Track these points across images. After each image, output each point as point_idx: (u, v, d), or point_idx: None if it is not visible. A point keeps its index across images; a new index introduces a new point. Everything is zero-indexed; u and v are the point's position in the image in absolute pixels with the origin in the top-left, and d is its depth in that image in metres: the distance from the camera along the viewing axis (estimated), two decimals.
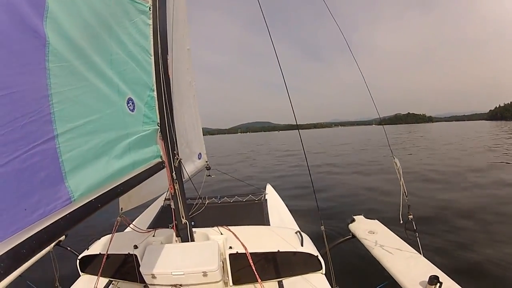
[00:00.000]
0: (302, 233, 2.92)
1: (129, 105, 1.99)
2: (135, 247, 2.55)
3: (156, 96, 2.41)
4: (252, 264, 2.38)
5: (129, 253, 2.55)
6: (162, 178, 2.47)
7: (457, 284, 2.35)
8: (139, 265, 2.34)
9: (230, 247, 2.58)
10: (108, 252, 2.56)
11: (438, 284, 2.29)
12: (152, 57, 2.33)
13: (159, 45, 2.36)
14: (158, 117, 2.45)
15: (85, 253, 2.81)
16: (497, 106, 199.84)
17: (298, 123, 3.02)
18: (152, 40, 2.27)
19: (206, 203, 4.11)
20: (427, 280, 2.31)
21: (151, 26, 2.23)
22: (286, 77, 2.84)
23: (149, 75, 2.31)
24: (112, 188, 1.68)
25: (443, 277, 2.39)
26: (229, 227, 2.86)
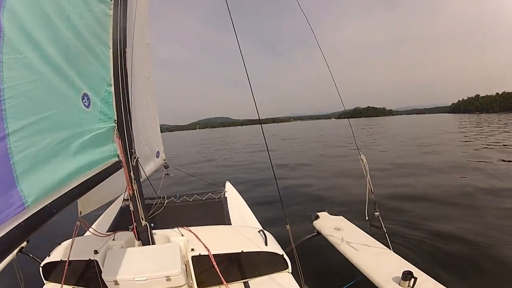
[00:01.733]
0: (265, 232, 2.92)
1: (84, 101, 1.86)
2: (96, 252, 2.41)
3: (113, 91, 2.28)
4: (216, 266, 2.34)
5: (90, 258, 2.41)
6: (120, 179, 2.34)
7: (431, 278, 2.38)
8: (101, 271, 2.21)
9: (192, 249, 2.51)
10: (70, 259, 2.41)
11: (413, 280, 2.29)
12: (111, 50, 2.19)
13: (119, 38, 2.23)
14: (115, 113, 2.32)
15: (47, 260, 2.63)
16: (460, 100, 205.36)
17: (256, 118, 3.00)
18: (111, 32, 2.13)
19: (165, 203, 3.97)
20: (400, 275, 2.32)
21: (112, 17, 2.09)
22: (247, 71, 2.81)
23: (106, 69, 2.17)
24: (68, 191, 1.56)
25: (417, 272, 2.40)
26: (190, 227, 2.79)
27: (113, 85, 2.26)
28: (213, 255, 2.42)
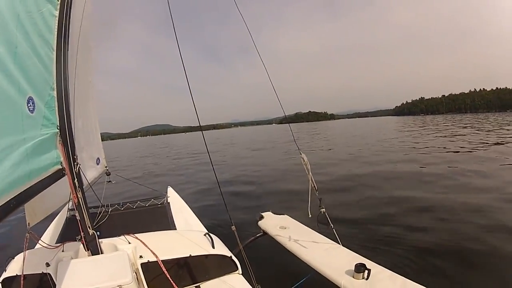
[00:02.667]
0: (211, 235, 2.95)
1: (29, 105, 1.75)
2: (47, 265, 2.28)
3: (56, 95, 2.15)
4: (165, 272, 2.34)
5: (43, 272, 2.29)
6: (64, 187, 2.20)
7: (386, 269, 2.46)
8: (55, 284, 2.08)
9: (141, 256, 2.48)
10: (24, 273, 2.27)
11: (366, 271, 2.35)
12: (55, 52, 2.08)
13: (63, 40, 2.13)
14: (58, 119, 2.18)
15: (4, 275, 2.45)
16: (404, 103, 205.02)
17: (197, 125, 3.02)
18: (56, 33, 2.03)
19: (110, 211, 3.82)
20: (353, 268, 2.38)
21: (57, 18, 2.00)
22: (187, 79, 2.84)
23: (50, 73, 2.05)
24: (5, 204, 1.45)
25: (369, 264, 2.47)
26: (136, 234, 2.73)
27: (55, 89, 2.14)
28: (162, 261, 2.42)
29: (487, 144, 17.74)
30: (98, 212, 3.70)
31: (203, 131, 3.27)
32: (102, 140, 4.08)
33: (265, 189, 9.94)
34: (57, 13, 1.99)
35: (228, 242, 3.05)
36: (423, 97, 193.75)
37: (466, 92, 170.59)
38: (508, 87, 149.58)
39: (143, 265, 2.46)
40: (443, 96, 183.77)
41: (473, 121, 48.92)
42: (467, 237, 5.05)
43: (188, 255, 2.62)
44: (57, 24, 2.01)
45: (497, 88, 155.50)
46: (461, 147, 16.94)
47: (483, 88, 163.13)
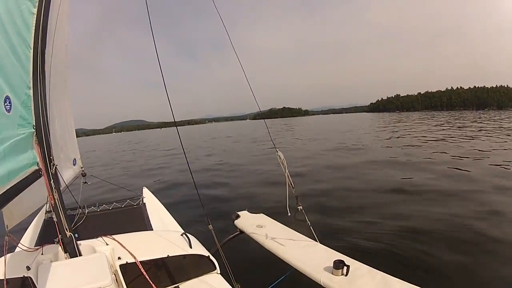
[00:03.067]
0: (188, 234, 2.94)
1: (6, 104, 1.71)
2: (28, 268, 2.21)
3: (32, 94, 2.10)
4: (144, 273, 2.33)
5: (24, 276, 2.20)
6: (41, 188, 2.16)
7: (364, 265, 2.45)
8: None
9: (119, 258, 2.46)
10: (6, 276, 2.19)
11: (345, 268, 2.33)
12: (32, 51, 2.03)
13: (40, 38, 2.08)
14: (34, 118, 2.13)
15: None
16: (379, 99, 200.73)
17: (172, 120, 2.98)
18: (33, 31, 1.99)
19: (86, 212, 3.76)
20: (331, 265, 2.36)
21: (35, 16, 1.96)
22: (162, 74, 2.81)
23: (26, 71, 2.01)
24: None
25: (348, 260, 2.45)
26: (113, 236, 2.71)
27: (31, 88, 2.09)
28: (140, 262, 2.41)
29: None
30: (76, 214, 3.63)
31: (177, 127, 3.25)
32: (77, 137, 4.00)
33: (241, 187, 9.85)
34: (35, 10, 1.96)
35: (205, 241, 3.03)
36: (399, 94, 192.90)
37: (442, 90, 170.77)
38: (486, 86, 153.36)
39: (121, 266, 2.44)
40: (419, 93, 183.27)
41: (447, 118, 51.66)
42: (442, 219, 5.67)
43: (166, 256, 2.61)
44: (35, 22, 1.97)
45: (474, 86, 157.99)
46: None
47: (460, 87, 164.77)
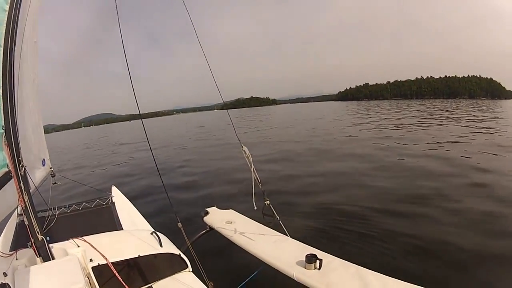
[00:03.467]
0: (158, 233, 2.91)
1: None
2: (5, 274, 2.13)
3: (1, 94, 2.04)
4: (117, 274, 2.31)
5: (2, 282, 2.09)
6: (10, 190, 2.10)
7: (337, 258, 2.45)
8: None
9: (91, 260, 2.43)
10: None
11: (318, 261, 2.32)
12: (1, 49, 1.97)
13: (10, 36, 2.02)
14: (3, 119, 2.07)
15: None
16: (347, 88, 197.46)
17: (139, 112, 2.94)
18: (4, 29, 1.93)
19: (57, 214, 3.68)
20: (304, 259, 2.35)
21: (7, 13, 1.91)
22: (128, 66, 2.74)
23: None
24: None
25: (320, 254, 2.44)
26: (84, 237, 2.67)
27: (1, 87, 2.03)
28: (112, 263, 2.39)
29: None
30: (47, 216, 3.55)
31: (142, 119, 3.21)
32: (47, 133, 3.87)
33: (209, 183, 9.65)
34: (7, 7, 1.91)
35: (175, 239, 3.00)
36: (368, 83, 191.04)
37: (412, 79, 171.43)
38: (457, 76, 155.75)
39: (94, 268, 2.41)
40: (388, 82, 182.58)
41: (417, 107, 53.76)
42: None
43: (137, 256, 2.59)
44: (6, 19, 1.92)
45: (445, 76, 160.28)
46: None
47: (431, 76, 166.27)
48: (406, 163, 10.04)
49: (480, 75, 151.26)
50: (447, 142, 13.82)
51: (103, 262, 2.41)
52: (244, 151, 3.05)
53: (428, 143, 13.76)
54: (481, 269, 3.79)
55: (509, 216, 5.29)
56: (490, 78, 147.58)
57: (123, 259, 2.54)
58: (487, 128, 18.85)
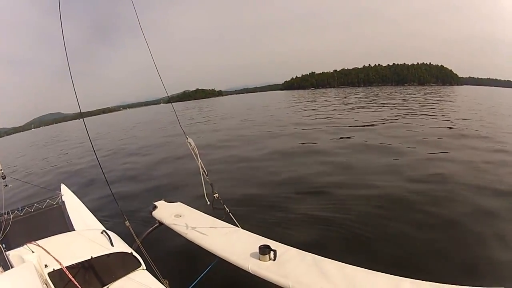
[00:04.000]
0: (108, 232, 2.88)
1: None
2: None
3: None
4: (72, 279, 2.27)
5: None
6: None
7: (292, 247, 2.45)
8: None
9: (46, 265, 2.39)
10: None
11: (272, 252, 2.28)
12: None
13: None
14: None
15: None
16: (293, 77, 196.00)
17: (86, 110, 2.87)
18: None
19: (11, 218, 3.66)
20: (257, 251, 2.31)
21: None
22: (72, 61, 2.74)
23: None
24: None
25: (274, 244, 2.42)
26: (38, 242, 2.62)
27: None
28: (66, 267, 2.36)
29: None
30: (2, 220, 3.54)
31: (87, 117, 3.10)
32: None
33: (155, 176, 9.58)
34: None
35: (126, 237, 2.92)
36: (314, 72, 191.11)
37: (360, 67, 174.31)
38: (406, 63, 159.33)
39: (50, 274, 2.38)
40: (335, 70, 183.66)
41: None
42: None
43: (90, 257, 2.56)
44: None
45: (394, 63, 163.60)
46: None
47: (379, 64, 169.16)
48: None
49: (430, 63, 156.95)
50: None
51: (58, 267, 2.39)
52: (189, 143, 2.92)
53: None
54: None
55: None
56: (441, 65, 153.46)
57: (77, 262, 2.53)
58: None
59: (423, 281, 2.10)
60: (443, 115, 19.77)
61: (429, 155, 9.39)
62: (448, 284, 2.01)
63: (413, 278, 2.12)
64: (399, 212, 5.24)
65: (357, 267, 2.25)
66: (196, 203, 3.36)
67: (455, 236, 4.43)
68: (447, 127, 14.38)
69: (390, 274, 2.19)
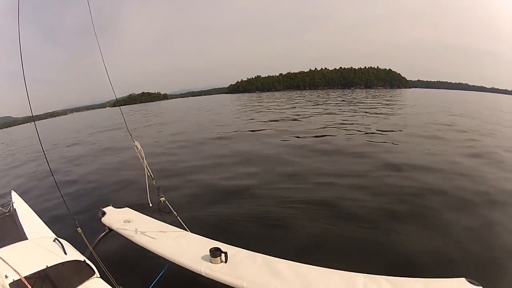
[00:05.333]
0: (60, 240, 2.83)
1: None
2: None
3: None
4: None
5: None
6: None
7: (242, 249, 2.50)
8: None
9: (6, 276, 2.32)
10: None
11: (223, 255, 2.31)
12: None
13: None
14: None
15: None
16: (239, 81, 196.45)
17: (36, 114, 2.87)
18: None
19: None
20: (208, 253, 2.34)
21: None
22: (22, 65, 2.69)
23: None
24: None
25: (224, 246, 2.46)
26: None
27: None
28: (25, 277, 2.32)
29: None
30: None
31: (35, 121, 3.29)
32: None
33: (103, 182, 9.33)
34: None
35: (78, 244, 2.88)
36: (259, 75, 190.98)
37: (306, 71, 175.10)
38: (353, 67, 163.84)
39: (11, 285, 2.32)
40: (281, 74, 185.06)
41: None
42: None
43: (45, 266, 2.53)
44: None
45: (340, 67, 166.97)
46: None
47: (325, 67, 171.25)
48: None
49: (378, 66, 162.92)
50: None
51: (17, 277, 2.33)
52: (136, 146, 2.91)
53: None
54: None
55: None
56: (389, 69, 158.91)
57: (34, 271, 2.47)
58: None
59: (377, 276, 2.20)
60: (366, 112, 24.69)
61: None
62: (404, 277, 2.14)
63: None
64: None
65: (310, 266, 2.33)
66: (144, 207, 3.32)
67: None
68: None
69: (344, 270, 2.30)
